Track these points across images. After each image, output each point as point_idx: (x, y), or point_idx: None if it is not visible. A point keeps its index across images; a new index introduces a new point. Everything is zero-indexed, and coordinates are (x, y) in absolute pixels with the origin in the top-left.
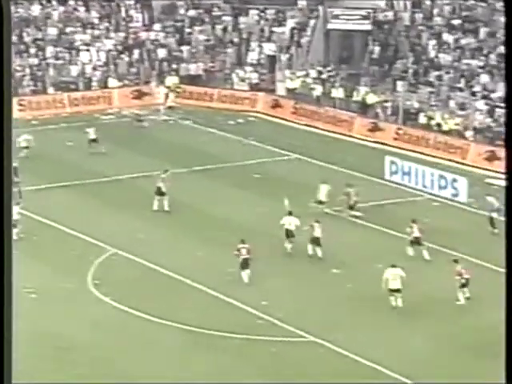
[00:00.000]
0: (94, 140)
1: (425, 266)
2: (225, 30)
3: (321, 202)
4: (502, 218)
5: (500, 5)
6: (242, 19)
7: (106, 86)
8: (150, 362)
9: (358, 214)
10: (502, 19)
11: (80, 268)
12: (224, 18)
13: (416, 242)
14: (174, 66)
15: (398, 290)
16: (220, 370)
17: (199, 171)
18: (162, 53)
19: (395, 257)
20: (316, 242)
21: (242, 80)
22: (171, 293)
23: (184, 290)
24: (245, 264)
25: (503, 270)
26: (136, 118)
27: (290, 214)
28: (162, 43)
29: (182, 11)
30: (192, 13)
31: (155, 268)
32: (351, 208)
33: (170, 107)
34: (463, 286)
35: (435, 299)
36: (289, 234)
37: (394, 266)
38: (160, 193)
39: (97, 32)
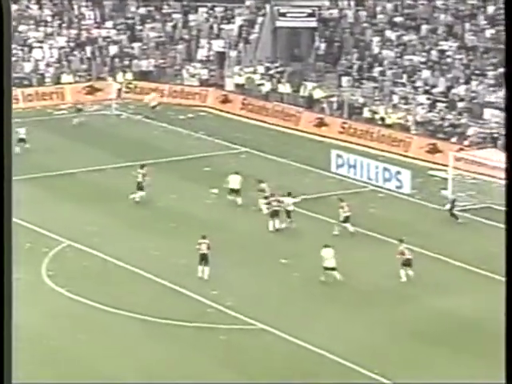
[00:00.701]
0: (22, 140)
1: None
2: (175, 27)
3: (233, 191)
4: (458, 209)
5: (441, 2)
6: (191, 17)
7: (58, 82)
8: (105, 351)
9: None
10: (443, 16)
11: (34, 260)
12: (174, 15)
13: (346, 220)
14: (126, 63)
15: (333, 269)
16: (172, 357)
17: (151, 164)
18: (113, 49)
19: (342, 246)
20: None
21: (192, 76)
22: (124, 283)
23: (137, 281)
24: (204, 259)
25: (445, 258)
26: (75, 112)
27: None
28: (114, 40)
29: (132, 9)
30: (142, 10)
31: (109, 259)
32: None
33: (153, 107)
34: (405, 264)
35: (380, 287)
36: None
37: (327, 246)
38: (139, 187)
39: (49, 29)
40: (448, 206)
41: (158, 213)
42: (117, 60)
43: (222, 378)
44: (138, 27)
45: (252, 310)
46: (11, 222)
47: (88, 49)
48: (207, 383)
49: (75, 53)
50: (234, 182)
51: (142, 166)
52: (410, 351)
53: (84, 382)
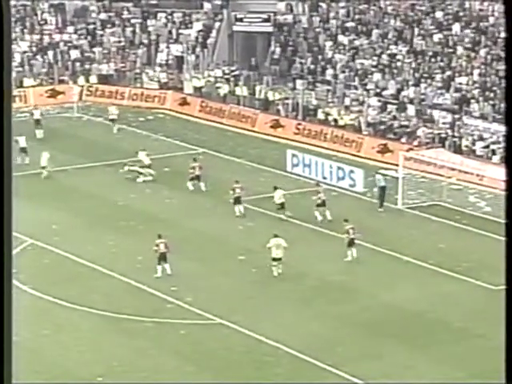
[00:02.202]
0: None
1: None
2: (134, 32)
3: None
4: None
5: (391, 8)
6: (150, 22)
7: (21, 86)
8: (67, 346)
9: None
10: (392, 22)
11: None
12: (133, 20)
13: (237, 201)
14: (87, 66)
15: (279, 259)
16: (132, 351)
17: (111, 165)
18: (74, 54)
19: (296, 243)
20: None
21: (152, 79)
22: (84, 280)
23: (97, 277)
24: (162, 258)
25: (395, 254)
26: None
27: None
28: (75, 44)
29: (93, 14)
30: (103, 16)
31: (69, 257)
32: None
33: (112, 120)
34: (350, 245)
35: (331, 282)
36: None
37: (276, 236)
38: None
39: (12, 35)
40: (376, 191)
41: (117, 211)
42: (78, 64)
43: (181, 371)
44: (99, 32)
45: (209, 305)
46: (11, 223)
47: (50, 53)
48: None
49: (37, 57)
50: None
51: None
52: (364, 342)
53: (69, 380)
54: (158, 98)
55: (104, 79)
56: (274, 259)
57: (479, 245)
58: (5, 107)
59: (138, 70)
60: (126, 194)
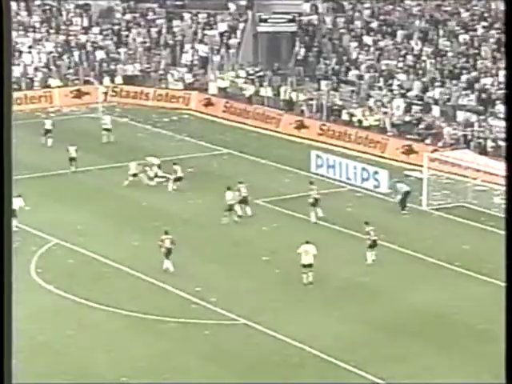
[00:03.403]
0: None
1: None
2: (159, 32)
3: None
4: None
5: (416, 9)
6: (175, 22)
7: (47, 86)
8: (92, 346)
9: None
10: (417, 22)
11: (23, 258)
12: (158, 21)
13: (244, 201)
14: (112, 67)
15: (310, 265)
16: (158, 352)
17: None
18: (100, 54)
19: (321, 245)
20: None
21: (177, 80)
22: (110, 280)
23: (122, 278)
24: (168, 253)
25: (419, 255)
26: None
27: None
28: (101, 45)
29: (118, 15)
30: (128, 17)
31: (94, 257)
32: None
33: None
34: (371, 246)
35: (356, 283)
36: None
37: (308, 243)
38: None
39: (38, 35)
40: (399, 197)
41: (141, 212)
42: (104, 64)
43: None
44: (124, 33)
45: (233, 306)
46: (11, 223)
47: (75, 54)
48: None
49: (63, 58)
50: None
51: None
52: (388, 344)
53: (81, 380)
54: (183, 98)
55: (129, 80)
56: (304, 266)
57: (504, 246)
58: (5, 107)
59: (162, 71)
60: (149, 195)
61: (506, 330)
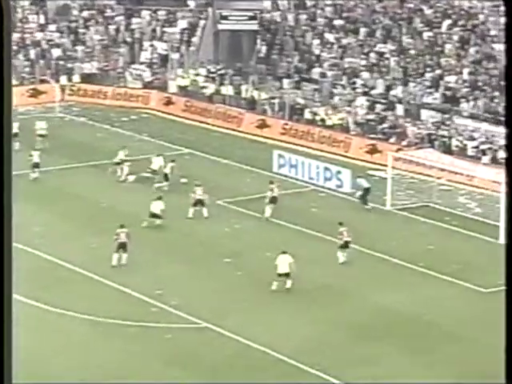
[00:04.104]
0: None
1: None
2: (118, 30)
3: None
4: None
5: (379, 6)
6: (134, 20)
7: None
8: (51, 350)
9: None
10: (381, 18)
11: None
12: (117, 18)
13: (200, 202)
14: (69, 65)
15: (287, 275)
16: (118, 356)
17: (93, 166)
18: (56, 52)
19: (284, 245)
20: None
21: (136, 78)
22: (67, 283)
23: (79, 281)
24: (122, 247)
25: (383, 256)
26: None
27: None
28: (57, 43)
29: (75, 12)
30: (85, 14)
31: (51, 259)
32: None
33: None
34: (343, 247)
35: (321, 285)
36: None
37: (284, 253)
38: None
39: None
40: (359, 193)
41: (98, 213)
42: (60, 63)
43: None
44: (81, 30)
45: (195, 309)
46: (11, 222)
47: (31, 52)
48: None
49: (19, 56)
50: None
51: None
52: (350, 347)
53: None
54: (142, 97)
55: (87, 78)
56: (280, 275)
57: (469, 246)
58: (5, 107)
59: (121, 69)
60: (107, 196)
61: (506, 330)
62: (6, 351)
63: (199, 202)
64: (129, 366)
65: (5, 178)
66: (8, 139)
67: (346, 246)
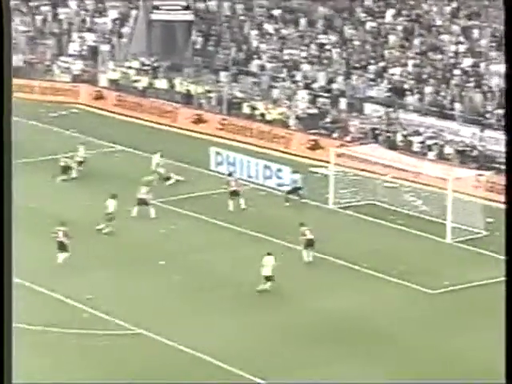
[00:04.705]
0: None
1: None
2: (45, 20)
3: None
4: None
5: None
6: (61, 10)
7: None
8: None
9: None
10: (321, 9)
11: None
12: (43, 8)
13: (143, 202)
14: None
15: (269, 277)
16: (51, 365)
17: (20, 164)
18: None
19: (222, 247)
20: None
21: (64, 72)
22: None
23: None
24: (61, 246)
25: (320, 255)
26: None
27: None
28: None
29: None
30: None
31: None
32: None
33: None
34: (307, 246)
35: (260, 287)
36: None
37: (269, 254)
38: None
39: None
40: (288, 188)
41: (27, 214)
42: None
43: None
44: None
45: (128, 315)
46: (11, 223)
47: None
48: None
49: None
50: None
51: None
52: (285, 352)
53: None
54: (71, 91)
55: (12, 72)
56: (266, 278)
57: (415, 246)
58: (5, 107)
59: (48, 62)
60: (35, 196)
61: (506, 330)
62: (5, 351)
63: (143, 202)
64: (58, 375)
65: (5, 179)
66: (8, 139)
67: (310, 244)
